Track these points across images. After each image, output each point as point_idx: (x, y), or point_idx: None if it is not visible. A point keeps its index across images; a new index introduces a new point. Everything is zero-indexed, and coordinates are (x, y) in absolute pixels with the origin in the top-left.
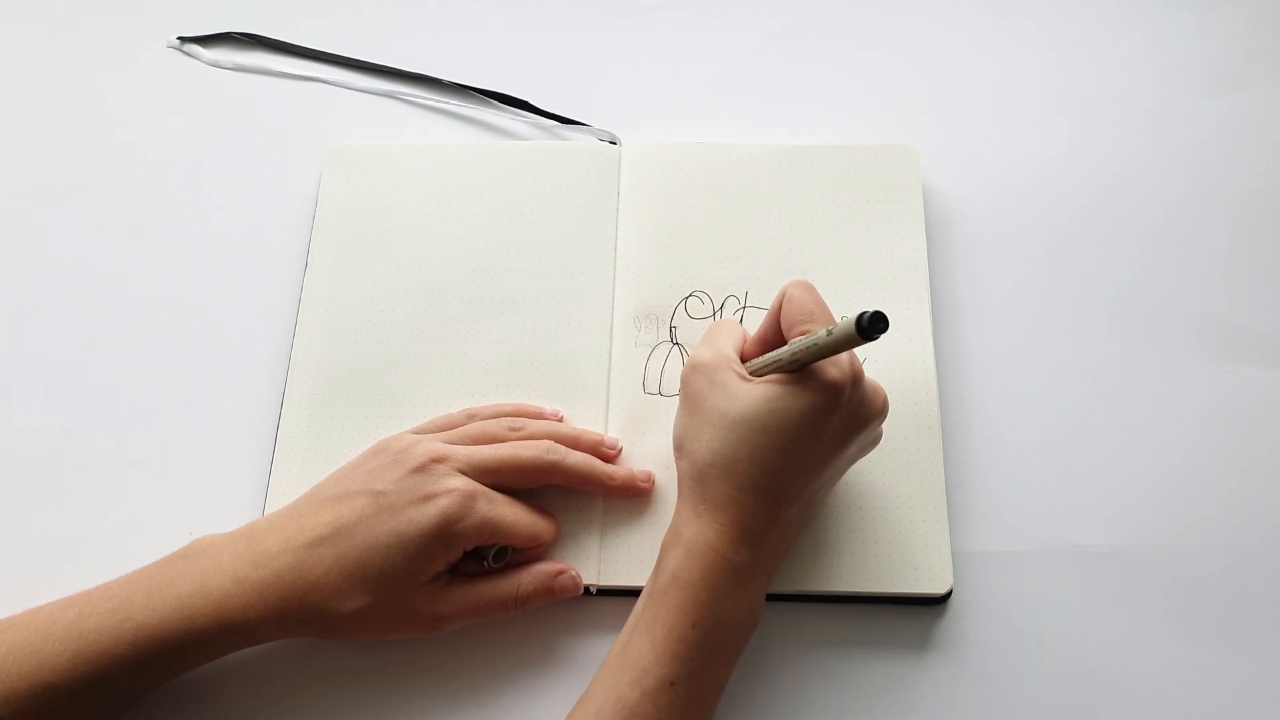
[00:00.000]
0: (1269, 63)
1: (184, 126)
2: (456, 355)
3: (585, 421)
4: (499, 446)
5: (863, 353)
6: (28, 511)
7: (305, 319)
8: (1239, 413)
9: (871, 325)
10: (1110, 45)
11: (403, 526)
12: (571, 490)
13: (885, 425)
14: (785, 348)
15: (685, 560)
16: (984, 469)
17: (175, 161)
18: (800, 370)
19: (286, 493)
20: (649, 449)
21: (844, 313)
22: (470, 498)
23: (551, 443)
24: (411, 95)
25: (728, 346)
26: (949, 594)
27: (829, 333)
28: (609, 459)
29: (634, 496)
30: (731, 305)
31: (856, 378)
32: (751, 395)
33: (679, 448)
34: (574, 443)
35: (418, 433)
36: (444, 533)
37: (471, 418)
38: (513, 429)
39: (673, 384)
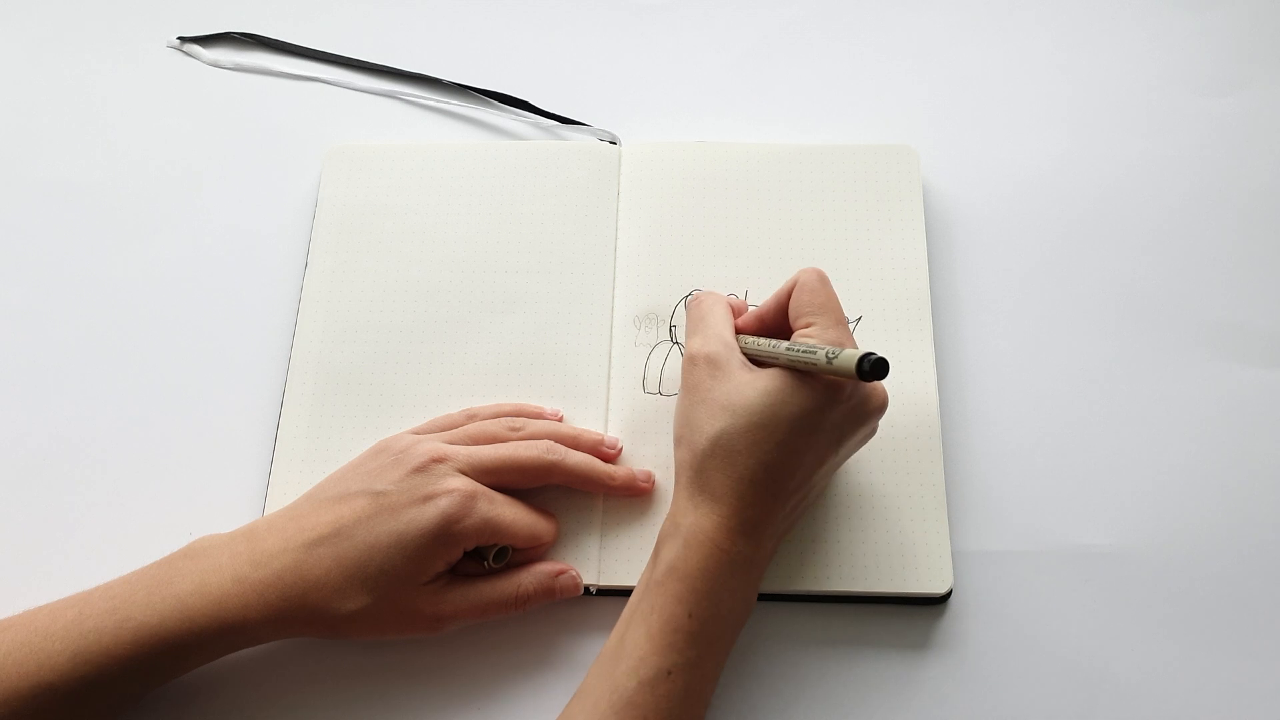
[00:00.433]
0: (1270, 63)
1: (184, 126)
2: (456, 355)
3: (585, 421)
4: (499, 446)
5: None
6: (28, 512)
7: (305, 319)
8: (1239, 413)
9: (873, 371)
10: (1111, 45)
11: (403, 527)
12: (571, 490)
13: (885, 425)
14: (785, 348)
15: (682, 551)
16: (984, 469)
17: (175, 161)
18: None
19: (286, 493)
20: (649, 449)
21: (848, 313)
22: (470, 498)
23: (551, 443)
24: (411, 95)
25: (725, 331)
26: (949, 594)
27: (829, 358)
28: (609, 459)
29: (634, 496)
30: None
31: None
32: (754, 386)
33: (678, 438)
34: (574, 443)
35: (418, 433)
36: (444, 533)
37: (471, 418)
38: (513, 429)
39: (672, 384)
